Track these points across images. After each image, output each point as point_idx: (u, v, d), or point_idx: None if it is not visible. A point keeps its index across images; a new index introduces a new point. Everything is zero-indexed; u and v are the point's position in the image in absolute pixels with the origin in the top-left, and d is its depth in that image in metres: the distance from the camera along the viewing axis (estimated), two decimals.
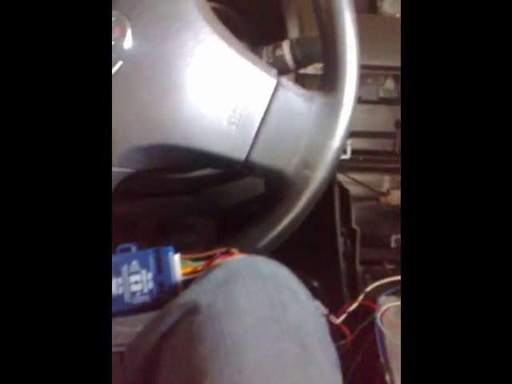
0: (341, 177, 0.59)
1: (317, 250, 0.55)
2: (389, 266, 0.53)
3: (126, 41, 0.32)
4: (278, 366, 0.24)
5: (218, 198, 0.56)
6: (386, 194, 0.60)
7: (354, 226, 0.52)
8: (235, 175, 0.54)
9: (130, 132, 0.33)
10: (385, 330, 0.40)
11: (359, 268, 0.50)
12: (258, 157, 0.35)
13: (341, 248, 0.51)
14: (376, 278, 0.48)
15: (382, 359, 0.39)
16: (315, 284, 0.35)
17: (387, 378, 0.38)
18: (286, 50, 0.43)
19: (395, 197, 0.60)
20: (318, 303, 0.31)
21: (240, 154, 0.35)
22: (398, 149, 0.60)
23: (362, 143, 0.60)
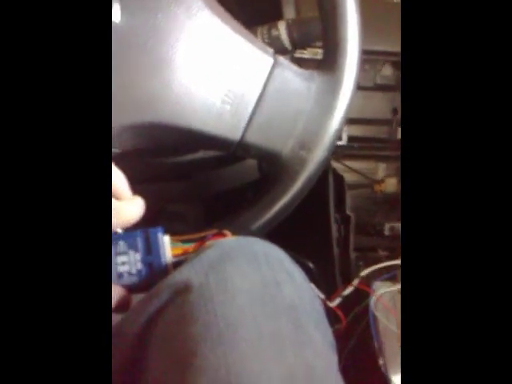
0: (335, 164, 0.59)
1: (310, 236, 0.55)
2: (382, 253, 0.52)
3: (114, 15, 0.31)
4: (273, 345, 0.23)
5: (209, 184, 0.55)
6: (380, 182, 0.60)
7: (348, 212, 0.51)
8: (227, 160, 0.53)
9: (118, 110, 0.32)
10: (378, 314, 0.39)
11: (352, 254, 0.50)
12: (253, 138, 0.34)
13: (334, 234, 0.51)
14: (369, 265, 0.47)
15: (375, 343, 0.39)
16: (310, 265, 0.35)
17: (381, 362, 0.38)
18: (282, 30, 0.42)
19: (390, 185, 0.60)
20: (312, 286, 0.30)
21: (234, 134, 0.34)
22: (394, 136, 0.60)
23: (358, 130, 0.60)
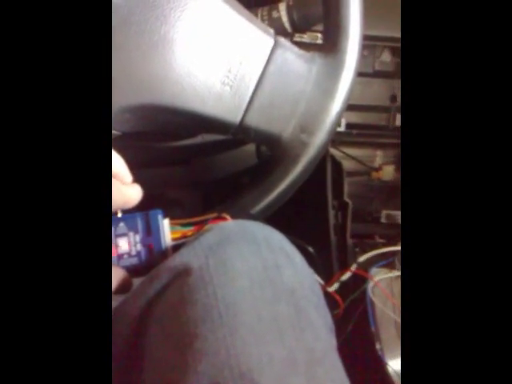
0: (333, 151, 0.59)
1: (308, 223, 0.55)
2: (379, 240, 0.53)
3: None
4: (273, 328, 0.23)
5: (207, 170, 0.55)
6: (377, 170, 0.60)
7: (346, 199, 0.51)
8: (226, 145, 0.52)
9: (117, 91, 0.31)
10: (375, 300, 0.40)
11: (349, 241, 0.50)
12: (253, 120, 0.33)
13: (332, 221, 0.51)
14: (365, 252, 0.47)
15: (372, 329, 0.39)
16: (310, 249, 0.35)
17: (377, 346, 0.38)
18: (282, 11, 0.41)
19: (387, 172, 0.60)
20: (312, 271, 0.30)
21: (234, 117, 0.33)
22: (392, 123, 0.59)
23: (356, 117, 0.59)
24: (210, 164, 0.54)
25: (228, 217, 0.32)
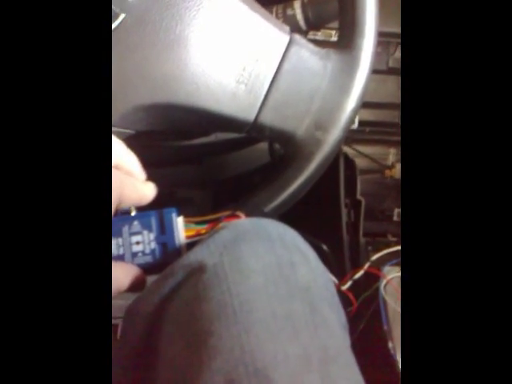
0: (346, 149, 0.58)
1: (320, 221, 0.55)
2: (391, 238, 0.52)
3: None
4: (287, 326, 0.23)
5: (219, 169, 0.55)
6: (390, 168, 0.60)
7: (358, 197, 0.51)
8: (238, 144, 0.52)
9: (131, 90, 0.31)
10: (388, 298, 0.40)
11: (362, 239, 0.50)
12: (268, 118, 0.33)
13: (344, 219, 0.50)
14: (378, 250, 0.47)
15: (385, 327, 0.39)
16: (324, 247, 0.35)
17: (390, 345, 0.38)
18: (297, 9, 0.41)
19: (399, 170, 0.59)
20: (326, 269, 0.30)
21: (248, 115, 0.33)
22: None
23: (369, 114, 0.59)
24: (222, 163, 0.54)
25: (242, 214, 0.32)
